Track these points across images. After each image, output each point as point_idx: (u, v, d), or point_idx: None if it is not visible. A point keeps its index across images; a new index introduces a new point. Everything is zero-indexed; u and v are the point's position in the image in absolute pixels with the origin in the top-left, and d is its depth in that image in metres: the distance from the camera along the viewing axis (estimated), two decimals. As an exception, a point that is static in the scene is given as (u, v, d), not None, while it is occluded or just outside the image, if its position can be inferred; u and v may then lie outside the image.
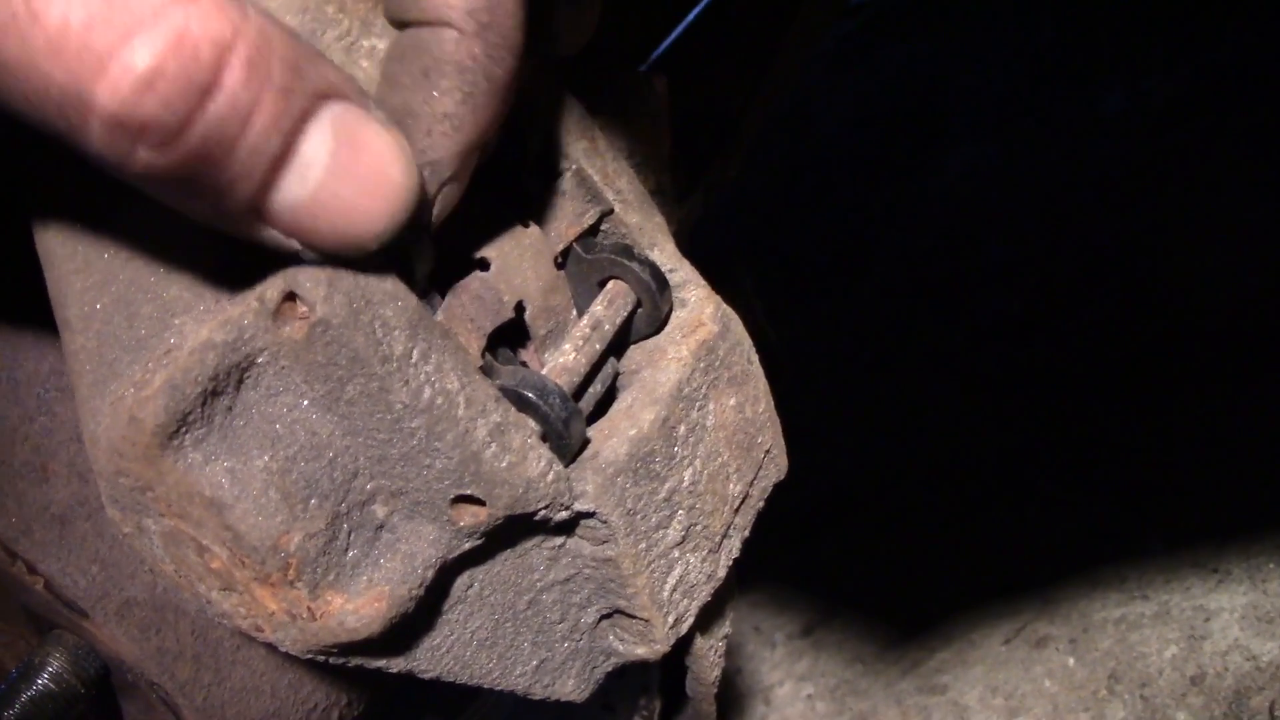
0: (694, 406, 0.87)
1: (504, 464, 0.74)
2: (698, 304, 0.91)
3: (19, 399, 0.93)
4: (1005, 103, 3.21)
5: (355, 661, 0.80)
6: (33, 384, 0.94)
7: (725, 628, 1.04)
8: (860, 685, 2.15)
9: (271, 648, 0.95)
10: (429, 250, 0.75)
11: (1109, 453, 2.20)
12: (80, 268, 0.73)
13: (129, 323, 0.72)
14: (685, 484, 0.85)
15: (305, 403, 0.73)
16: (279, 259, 0.69)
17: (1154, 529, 2.01)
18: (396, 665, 0.81)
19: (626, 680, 1.15)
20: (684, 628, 0.88)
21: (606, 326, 0.86)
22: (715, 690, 1.04)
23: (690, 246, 1.45)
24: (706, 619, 0.99)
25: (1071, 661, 1.93)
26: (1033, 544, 2.13)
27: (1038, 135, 3.06)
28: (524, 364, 0.85)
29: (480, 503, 0.75)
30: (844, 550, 2.40)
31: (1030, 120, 3.12)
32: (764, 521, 2.48)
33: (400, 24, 0.70)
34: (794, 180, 3.46)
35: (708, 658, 1.00)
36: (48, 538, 0.89)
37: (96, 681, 0.92)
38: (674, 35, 1.69)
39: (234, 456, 0.71)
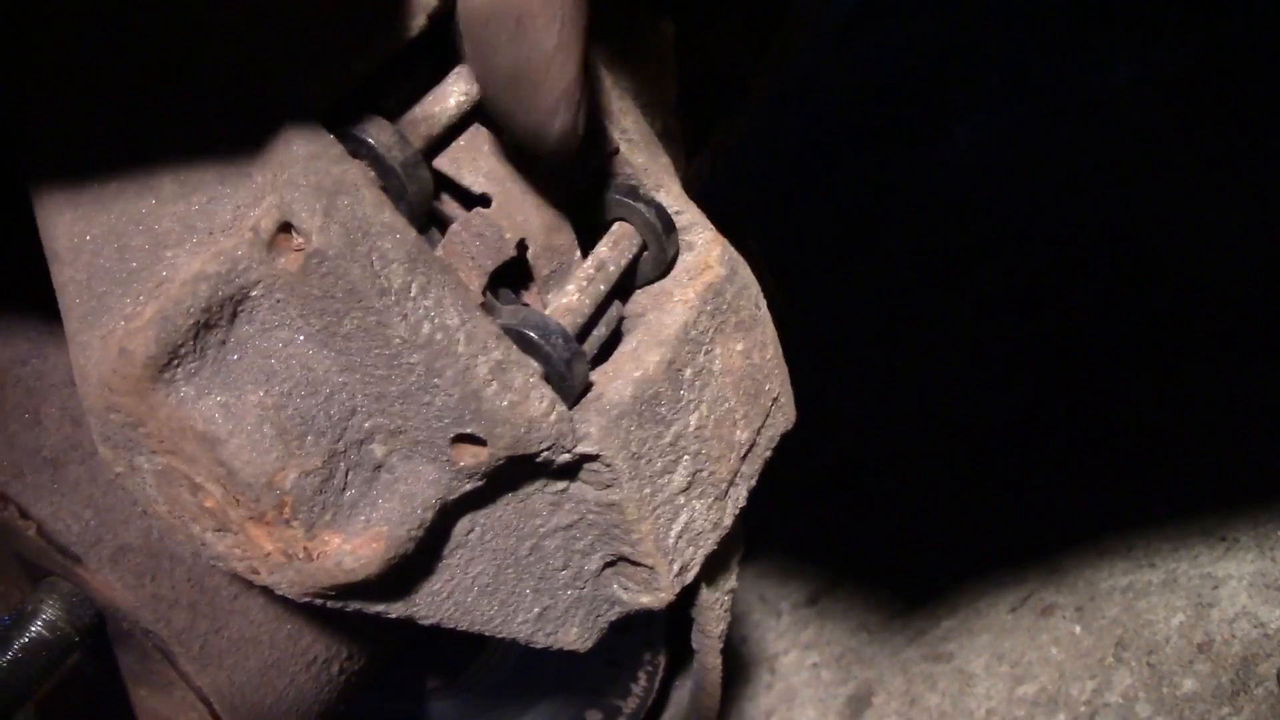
0: (700, 350, 0.84)
1: (505, 403, 0.72)
2: (705, 247, 0.89)
3: (10, 341, 0.91)
4: (1014, 73, 3.18)
5: (354, 605, 0.78)
6: (25, 326, 0.92)
7: (731, 581, 1.02)
8: (865, 654, 2.14)
9: (270, 597, 0.93)
10: (427, 182, 0.73)
11: (1116, 422, 2.18)
12: (70, 198, 0.71)
13: (120, 255, 0.70)
14: (691, 429, 0.83)
15: (301, 338, 0.71)
16: (274, 190, 0.67)
17: (1161, 497, 1.99)
18: (396, 610, 0.80)
19: (631, 635, 1.14)
20: (689, 577, 0.86)
21: (611, 268, 0.84)
22: (721, 644, 1.02)
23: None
24: (712, 571, 0.97)
25: (1078, 629, 1.91)
26: (1039, 513, 2.11)
27: (1047, 106, 3.03)
28: (526, 305, 0.83)
29: (481, 442, 0.73)
30: (850, 519, 2.38)
31: (1039, 91, 3.09)
32: (770, 489, 2.46)
33: None
34: (803, 152, 3.43)
35: (714, 610, 0.98)
36: (40, 481, 0.88)
37: (91, 629, 0.90)
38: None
39: (228, 391, 0.70)
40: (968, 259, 2.76)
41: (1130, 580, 1.91)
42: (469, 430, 0.73)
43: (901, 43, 3.50)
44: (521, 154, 0.80)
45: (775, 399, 0.93)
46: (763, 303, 0.91)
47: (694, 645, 1.01)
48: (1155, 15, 3.00)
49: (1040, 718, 1.84)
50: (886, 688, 2.05)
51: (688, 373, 0.83)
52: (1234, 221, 2.36)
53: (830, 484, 2.47)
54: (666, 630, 1.13)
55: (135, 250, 0.70)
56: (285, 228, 0.68)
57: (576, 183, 0.85)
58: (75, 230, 0.71)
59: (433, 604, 0.81)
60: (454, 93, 0.77)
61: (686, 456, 0.83)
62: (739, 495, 0.90)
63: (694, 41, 1.66)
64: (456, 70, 0.79)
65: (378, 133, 0.72)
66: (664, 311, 0.85)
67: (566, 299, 0.81)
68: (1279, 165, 2.40)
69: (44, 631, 0.88)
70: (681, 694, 1.21)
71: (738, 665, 2.24)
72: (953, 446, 2.37)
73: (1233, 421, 2.01)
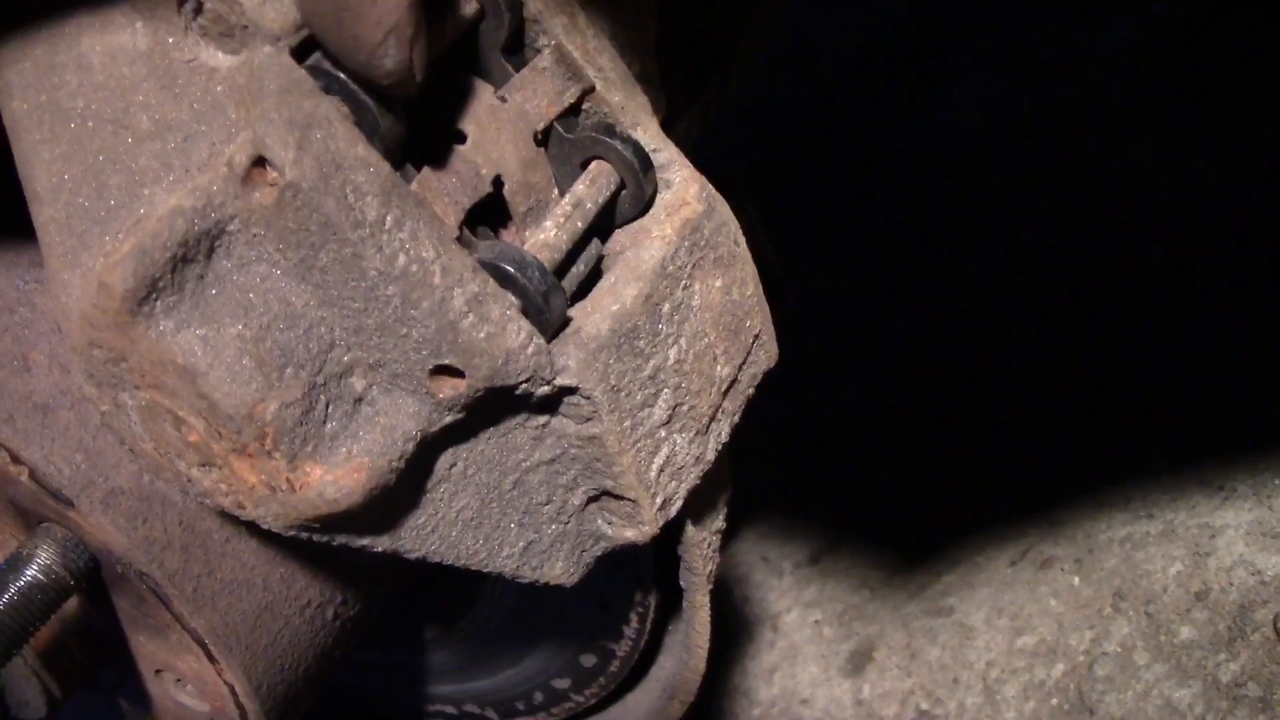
0: (679, 285, 0.85)
1: (482, 334, 0.73)
2: (682, 184, 0.89)
3: (-2, 290, 0.93)
4: (1012, 33, 3.17)
5: (339, 539, 0.79)
6: (12, 275, 0.93)
7: (719, 521, 1.03)
8: (867, 610, 2.15)
9: (262, 540, 0.95)
10: (400, 117, 0.74)
11: (1115, 376, 2.18)
12: (47, 137, 0.72)
13: (98, 194, 0.71)
14: (670, 362, 0.84)
15: (278, 272, 0.72)
16: (247, 126, 0.68)
17: (1160, 448, 2.00)
18: (381, 544, 0.81)
19: (621, 576, 1.15)
20: (672, 510, 0.87)
21: (589, 205, 0.84)
22: (710, 584, 1.03)
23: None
24: (699, 509, 0.98)
25: (1077, 581, 1.92)
26: (1039, 467, 2.12)
27: (1045, 66, 3.02)
28: (504, 241, 0.84)
29: (459, 374, 0.74)
30: (850, 478, 2.39)
31: (1037, 51, 3.08)
32: (771, 451, 2.45)
33: None
34: (801, 115, 3.43)
35: (700, 549, 0.99)
36: (30, 427, 0.89)
37: (86, 573, 0.92)
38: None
39: (207, 324, 0.71)
40: (966, 219, 2.76)
41: (1128, 531, 1.92)
42: (447, 361, 0.73)
43: (899, 5, 3.48)
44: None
45: (756, 336, 0.93)
46: (742, 240, 0.91)
47: (682, 584, 1.02)
48: (1152, -29, 2.98)
49: (1039, 668, 1.85)
50: (888, 643, 2.06)
51: (666, 307, 0.84)
52: (1231, 177, 2.36)
53: (831, 444, 2.49)
54: (657, 572, 1.14)
55: (113, 189, 0.71)
56: (259, 162, 0.68)
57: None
58: (54, 170, 0.72)
59: (418, 538, 0.82)
60: (427, 30, 0.78)
61: (666, 390, 0.84)
62: (721, 430, 0.91)
63: (684, 1, 1.66)
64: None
65: (350, 68, 0.72)
66: (642, 248, 0.85)
67: (544, 235, 0.81)
68: (1275, 119, 2.40)
69: (39, 575, 0.89)
70: (675, 638, 1.22)
71: (741, 624, 2.26)
72: (952, 404, 2.37)
73: (1230, 374, 2.01)
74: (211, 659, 0.95)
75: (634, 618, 1.17)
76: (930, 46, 3.31)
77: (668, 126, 1.56)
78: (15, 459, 0.89)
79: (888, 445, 2.43)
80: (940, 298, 2.64)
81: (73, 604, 0.97)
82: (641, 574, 1.13)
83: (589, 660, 1.26)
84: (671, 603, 1.19)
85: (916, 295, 2.70)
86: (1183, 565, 1.83)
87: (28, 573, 0.89)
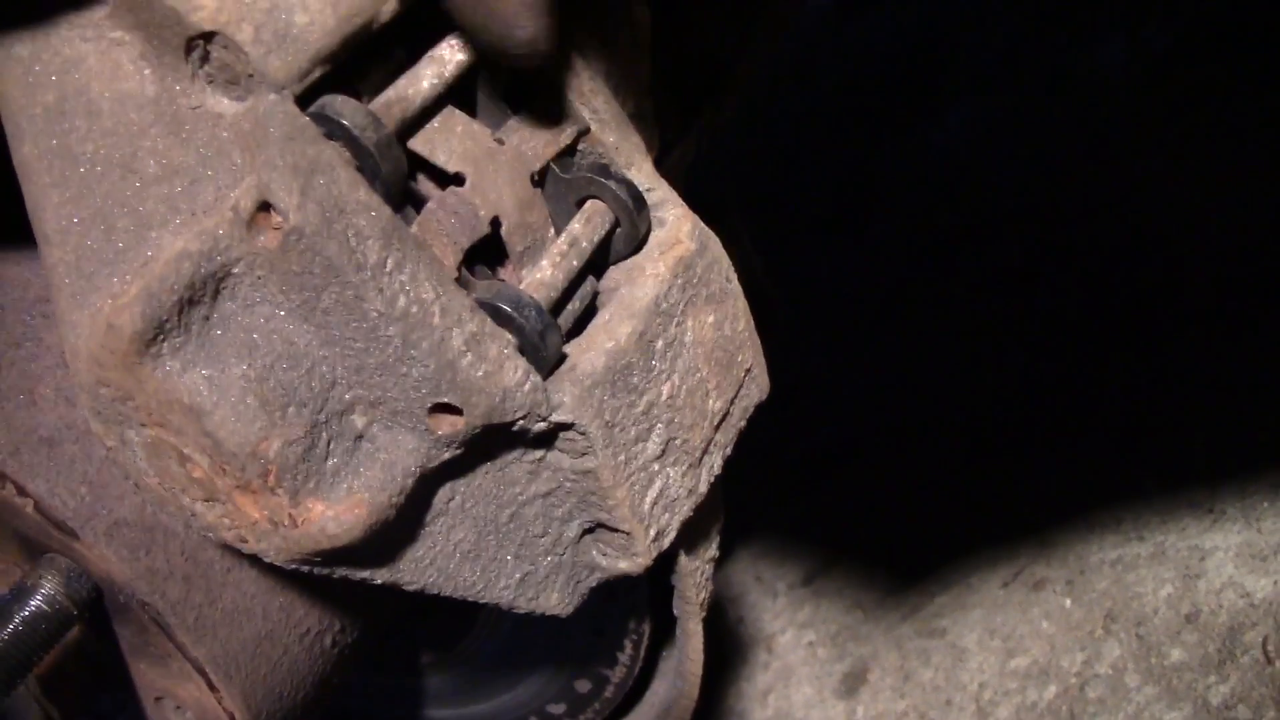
0: (672, 322, 0.87)
1: (480, 373, 0.75)
2: (675, 222, 0.91)
3: (5, 325, 0.94)
4: (1004, 55, 3.19)
5: (340, 572, 0.81)
6: (19, 310, 0.95)
7: (712, 550, 1.05)
8: (861, 631, 2.16)
9: (262, 570, 0.96)
10: (401, 161, 0.76)
11: (1106, 398, 2.20)
12: (57, 181, 0.73)
13: (106, 236, 0.73)
14: (664, 398, 0.86)
15: (282, 313, 0.74)
16: (252, 171, 0.70)
17: (1150, 471, 2.01)
18: (381, 576, 0.82)
19: (616, 604, 1.17)
20: (666, 542, 0.89)
21: (584, 244, 0.87)
22: (703, 612, 1.05)
23: (686, 194, 1.46)
24: (691, 539, 0.99)
25: (1068, 603, 1.94)
26: (1030, 488, 2.14)
27: (1037, 87, 3.05)
28: (501, 280, 0.85)
29: (458, 411, 0.76)
30: (844, 499, 2.41)
31: (1029, 72, 3.10)
32: (765, 472, 2.46)
33: None
34: (796, 136, 3.45)
35: (693, 577, 1.01)
36: (36, 459, 0.91)
37: (90, 603, 0.93)
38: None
39: (212, 365, 0.73)
40: (959, 240, 2.78)
41: (1119, 553, 1.93)
42: (445, 400, 0.75)
43: (893, 26, 3.51)
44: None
45: (748, 370, 0.95)
46: (733, 276, 0.93)
47: (675, 612, 1.04)
48: (1143, -8, 3.01)
49: (1031, 690, 1.86)
50: (881, 664, 2.07)
51: (659, 344, 0.86)
52: (1221, 199, 2.38)
53: (824, 465, 2.50)
54: (651, 599, 1.16)
55: (121, 231, 0.73)
56: (264, 207, 0.70)
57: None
58: (63, 213, 0.74)
59: (416, 570, 0.84)
60: (426, 75, 0.80)
61: (660, 425, 0.86)
62: (714, 463, 0.93)
63: (678, 24, 1.68)
64: (429, 54, 0.81)
65: (352, 115, 0.74)
66: (636, 285, 0.87)
67: (540, 274, 0.84)
68: (1266, 141, 2.42)
69: (43, 605, 0.91)
70: (669, 663, 1.24)
71: (735, 645, 2.27)
72: (944, 425, 2.39)
73: (1219, 396, 2.03)
74: (212, 687, 0.96)
75: (628, 644, 1.19)
76: (923, 69, 3.34)
77: (663, 155, 1.58)
78: (21, 491, 0.90)
79: (881, 466, 2.44)
80: (932, 319, 2.66)
81: (74, 632, 0.98)
82: (636, 602, 1.14)
83: (584, 686, 1.27)
84: (666, 628, 1.20)
85: (908, 316, 2.72)
86: (1173, 587, 1.84)
87: (32, 602, 0.91)
